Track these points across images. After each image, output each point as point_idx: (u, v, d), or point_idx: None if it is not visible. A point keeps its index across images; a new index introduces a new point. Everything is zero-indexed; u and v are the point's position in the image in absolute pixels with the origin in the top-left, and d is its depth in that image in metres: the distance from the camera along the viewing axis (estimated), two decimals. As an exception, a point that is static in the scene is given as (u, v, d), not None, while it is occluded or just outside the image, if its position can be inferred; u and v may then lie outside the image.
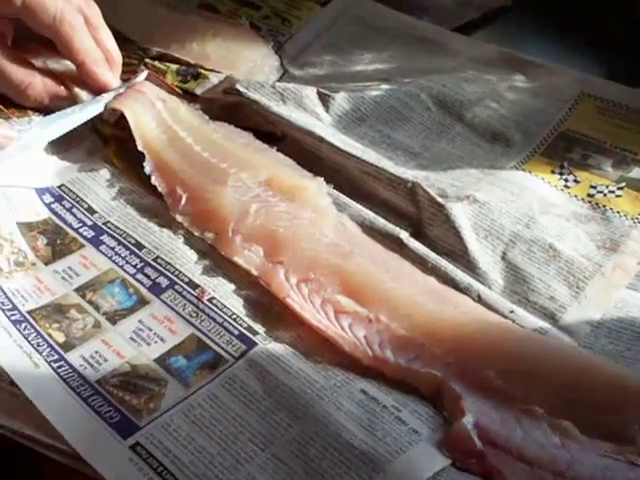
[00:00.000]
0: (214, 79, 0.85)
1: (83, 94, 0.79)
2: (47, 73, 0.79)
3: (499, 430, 0.55)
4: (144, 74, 0.82)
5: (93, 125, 0.79)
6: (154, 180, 0.74)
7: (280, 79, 0.87)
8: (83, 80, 0.79)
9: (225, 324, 0.64)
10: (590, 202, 0.73)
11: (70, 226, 0.71)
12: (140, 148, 0.75)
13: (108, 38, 0.80)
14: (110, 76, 0.79)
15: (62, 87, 0.79)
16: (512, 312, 0.65)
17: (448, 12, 0.97)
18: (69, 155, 0.78)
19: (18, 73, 0.77)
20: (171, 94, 0.81)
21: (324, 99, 0.81)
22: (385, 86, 0.83)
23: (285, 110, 0.79)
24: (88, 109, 0.77)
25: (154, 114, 0.78)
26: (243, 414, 0.57)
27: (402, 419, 0.57)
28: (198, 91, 0.84)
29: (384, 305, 0.64)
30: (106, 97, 0.78)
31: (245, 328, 0.63)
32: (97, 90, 0.79)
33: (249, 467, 0.55)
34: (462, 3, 0.97)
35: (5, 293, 0.65)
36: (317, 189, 0.73)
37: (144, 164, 0.74)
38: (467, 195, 0.71)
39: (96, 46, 0.78)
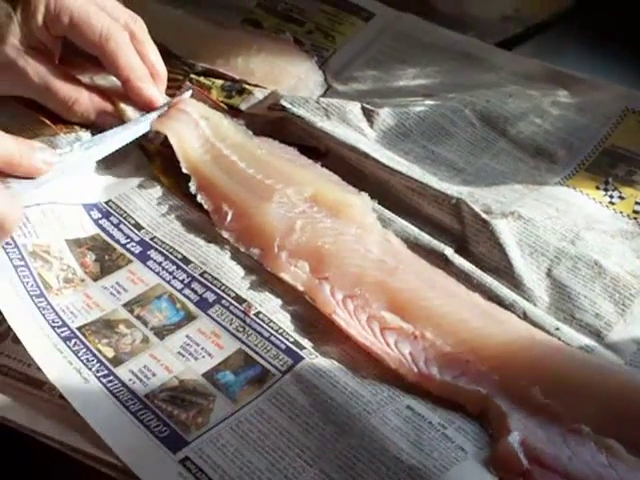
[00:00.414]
0: (259, 94, 0.85)
1: (129, 110, 0.80)
2: (93, 89, 0.80)
3: (545, 448, 0.55)
4: (189, 92, 0.82)
5: (138, 141, 0.79)
6: (200, 198, 0.74)
7: (324, 94, 0.87)
8: (128, 96, 0.80)
9: (272, 338, 0.64)
10: (635, 218, 0.73)
11: (118, 242, 0.72)
12: (184, 170, 0.76)
13: (154, 53, 0.81)
14: (155, 91, 0.80)
15: (108, 103, 0.80)
16: (557, 329, 0.65)
17: (491, 27, 0.97)
18: (116, 171, 0.78)
19: (65, 89, 0.78)
20: (216, 110, 0.82)
21: (368, 114, 0.81)
22: (429, 101, 0.83)
23: (329, 125, 0.80)
24: (133, 129, 0.77)
25: (198, 134, 0.78)
26: (290, 429, 0.58)
27: (448, 436, 0.58)
28: (243, 107, 0.84)
29: (429, 322, 0.64)
30: (151, 116, 0.79)
31: (292, 342, 0.64)
32: (142, 106, 0.80)
33: (298, 482, 0.55)
34: (505, 18, 0.97)
35: (55, 310, 0.65)
36: (362, 205, 0.73)
37: (189, 183, 0.75)
38: (512, 211, 0.71)
39: (141, 62, 0.79)
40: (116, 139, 0.76)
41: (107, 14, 0.78)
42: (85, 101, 0.79)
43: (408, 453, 0.56)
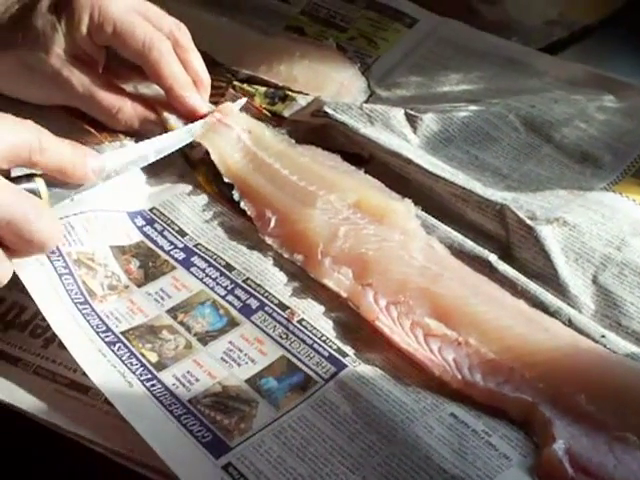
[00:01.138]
0: (302, 101, 0.85)
1: (172, 118, 0.80)
2: (137, 98, 0.81)
3: (591, 457, 0.55)
4: (242, 101, 0.83)
5: (182, 150, 0.80)
6: (243, 205, 0.74)
7: (367, 100, 0.87)
8: (172, 105, 0.80)
9: (315, 346, 0.64)
10: (682, 224, 0.72)
11: (162, 249, 0.72)
12: (226, 180, 0.76)
13: (197, 61, 0.81)
14: (198, 100, 0.80)
15: (151, 112, 0.80)
16: (603, 337, 0.64)
17: (536, 32, 0.96)
18: (160, 179, 0.79)
19: (109, 99, 0.79)
20: (258, 120, 0.82)
21: (412, 120, 0.81)
22: (473, 107, 0.83)
23: (373, 132, 0.80)
24: (177, 139, 0.78)
25: (239, 147, 0.78)
26: (333, 436, 0.58)
27: (492, 444, 0.57)
28: (286, 113, 0.84)
29: (473, 328, 0.64)
30: (195, 126, 0.79)
31: (335, 350, 0.64)
32: (185, 115, 0.80)
33: (340, 490, 0.55)
34: (550, 22, 0.96)
35: (99, 316, 0.66)
36: (406, 211, 0.73)
37: (233, 191, 0.75)
38: (557, 217, 0.71)
39: (184, 71, 0.80)
40: (159, 148, 0.76)
41: (151, 22, 0.79)
42: (129, 110, 0.80)
43: (451, 462, 0.56)
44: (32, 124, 0.65)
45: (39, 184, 0.66)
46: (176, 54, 0.79)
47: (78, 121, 0.81)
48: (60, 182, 0.68)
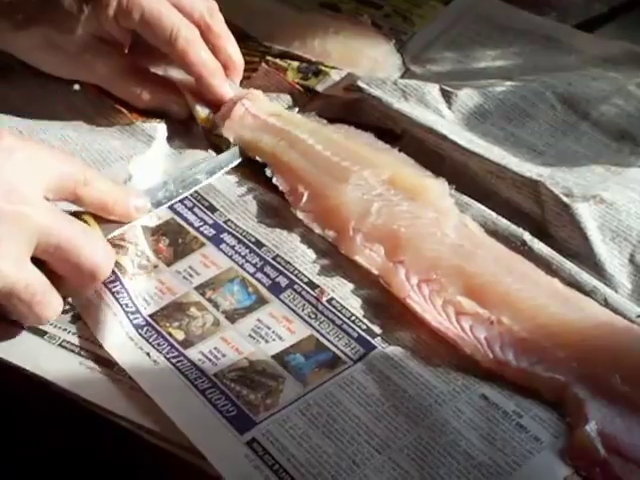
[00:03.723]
0: (335, 76, 0.85)
1: (198, 106, 0.80)
2: (161, 79, 0.81)
3: (625, 438, 0.54)
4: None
5: (209, 138, 0.79)
6: (275, 180, 0.74)
7: (402, 77, 0.86)
8: (200, 92, 0.79)
9: (344, 326, 0.63)
10: None
11: (191, 225, 0.71)
12: (259, 159, 0.76)
13: (230, 45, 0.80)
14: (227, 89, 0.79)
15: (175, 94, 0.80)
16: (639, 317, 0.62)
17: (575, 7, 0.95)
18: (188, 157, 0.78)
19: (132, 80, 0.79)
20: (291, 93, 0.82)
21: (447, 96, 0.80)
22: (509, 84, 0.82)
23: (407, 107, 0.79)
24: (227, 160, 0.77)
25: (269, 131, 0.77)
26: (360, 415, 0.57)
27: (523, 425, 0.56)
28: (319, 88, 0.84)
29: (506, 307, 0.62)
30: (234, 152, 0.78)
31: (364, 330, 0.63)
32: (214, 103, 0.79)
33: (365, 469, 0.54)
34: (590, -2, 0.95)
35: (130, 295, 0.65)
36: (440, 189, 0.72)
37: (265, 169, 0.75)
38: (594, 195, 0.70)
39: (213, 57, 0.79)
40: (210, 170, 0.75)
41: (182, 6, 0.78)
42: (152, 91, 0.79)
43: (479, 448, 0.55)
44: (79, 160, 0.66)
45: (87, 218, 0.66)
46: (207, 40, 0.78)
47: (109, 100, 0.81)
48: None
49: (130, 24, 0.77)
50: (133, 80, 0.79)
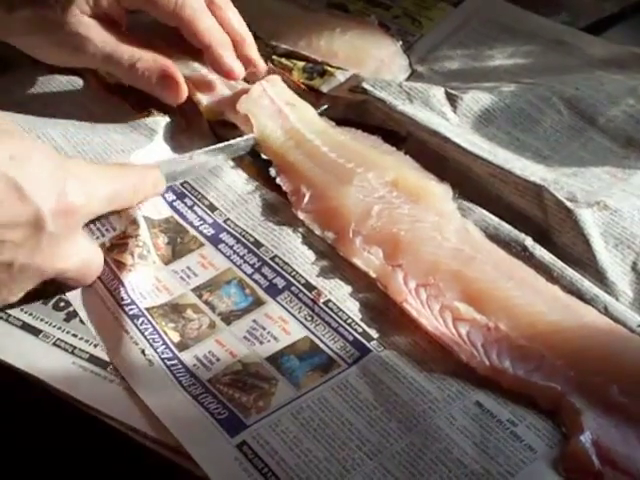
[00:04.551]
0: (340, 76, 0.84)
1: (205, 99, 0.79)
2: (158, 49, 0.78)
3: (620, 450, 0.53)
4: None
5: (212, 128, 0.79)
6: (279, 180, 0.73)
7: (408, 79, 0.85)
8: (211, 66, 0.78)
9: (340, 329, 0.63)
10: None
11: (191, 224, 0.71)
12: (264, 156, 0.75)
13: (235, 18, 0.79)
14: (237, 64, 0.77)
15: (171, 65, 0.77)
16: (640, 326, 0.62)
17: (585, 7, 0.95)
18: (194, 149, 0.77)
19: (129, 49, 0.76)
20: (297, 92, 0.81)
21: (452, 99, 0.80)
22: (515, 88, 0.82)
23: (411, 109, 0.78)
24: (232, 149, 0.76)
25: (280, 121, 0.77)
26: (353, 420, 0.56)
27: (517, 434, 0.55)
28: (324, 88, 0.83)
29: (504, 313, 0.62)
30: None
31: (360, 334, 0.62)
32: (223, 76, 0.78)
33: (356, 475, 0.53)
34: (601, -3, 0.95)
35: (126, 288, 0.65)
36: (443, 193, 0.71)
37: (270, 168, 0.74)
38: (597, 201, 0.69)
39: (222, 29, 0.77)
40: (224, 157, 0.75)
41: None
42: (148, 59, 0.76)
43: (472, 457, 0.54)
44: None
45: None
46: (211, 12, 0.77)
47: (112, 96, 0.81)
48: None
49: (133, 1, 0.76)
50: (129, 49, 0.76)
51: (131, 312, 0.63)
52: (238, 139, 0.76)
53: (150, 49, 0.77)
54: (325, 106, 0.80)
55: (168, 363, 0.60)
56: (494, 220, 0.69)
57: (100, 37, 0.76)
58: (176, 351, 0.61)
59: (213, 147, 0.75)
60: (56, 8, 0.75)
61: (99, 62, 0.77)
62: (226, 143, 0.76)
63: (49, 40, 0.76)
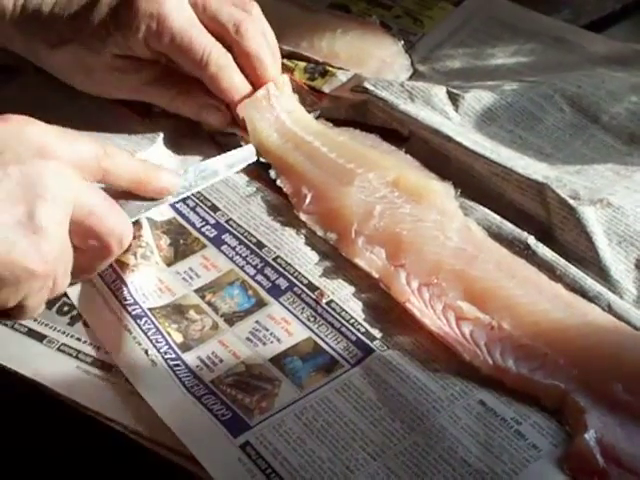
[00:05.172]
0: (342, 77, 0.84)
1: None
2: (196, 82, 0.77)
3: (624, 448, 0.53)
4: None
5: (211, 136, 0.79)
6: (279, 182, 0.73)
7: (410, 78, 0.85)
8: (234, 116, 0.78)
9: (343, 329, 0.63)
10: None
11: (193, 225, 0.71)
12: (262, 159, 0.75)
13: (259, 67, 0.77)
14: None
15: (213, 97, 0.77)
16: (644, 324, 0.61)
17: (587, 4, 0.94)
18: (193, 157, 0.78)
19: (168, 84, 0.78)
20: (299, 92, 0.81)
21: (454, 98, 0.79)
22: (517, 86, 0.81)
23: (413, 108, 0.78)
24: (247, 154, 0.76)
25: (278, 127, 0.77)
26: (356, 420, 0.56)
27: (521, 433, 0.55)
28: (326, 89, 0.83)
29: (507, 312, 0.61)
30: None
31: (363, 334, 0.62)
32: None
33: (359, 475, 0.53)
34: (603, -6, 0.95)
35: (129, 288, 0.65)
36: (445, 192, 0.71)
37: (269, 170, 0.74)
38: (600, 198, 0.68)
39: (246, 82, 0.77)
40: (230, 163, 0.75)
41: (212, 18, 0.76)
42: (188, 91, 0.78)
43: (476, 456, 0.54)
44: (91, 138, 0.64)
45: None
46: (235, 57, 0.77)
47: (115, 102, 0.80)
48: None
49: (160, 48, 0.75)
50: (166, 85, 0.78)
51: (134, 312, 0.64)
52: (240, 150, 0.76)
53: (187, 79, 0.78)
54: (318, 112, 0.80)
55: (171, 364, 0.61)
56: (496, 219, 0.69)
57: (137, 77, 0.78)
58: (179, 352, 0.61)
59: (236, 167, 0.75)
60: (91, 49, 0.76)
61: (140, 97, 0.79)
62: (245, 163, 0.76)
63: (86, 76, 0.79)
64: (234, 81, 0.76)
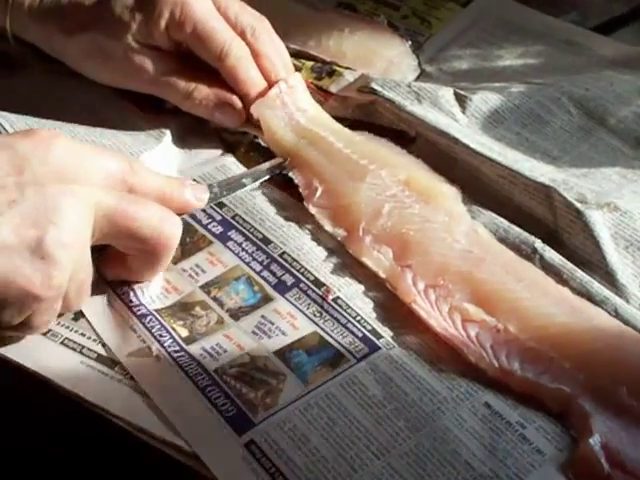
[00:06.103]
0: (349, 76, 0.84)
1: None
2: (214, 78, 0.78)
3: (629, 453, 0.53)
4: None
5: (217, 133, 0.79)
6: (291, 174, 0.73)
7: (417, 79, 0.85)
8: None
9: (349, 325, 0.62)
10: None
11: (199, 223, 0.71)
12: (279, 156, 0.75)
13: (271, 66, 0.79)
14: None
15: (229, 92, 0.77)
16: (650, 328, 0.61)
17: (595, 7, 0.95)
18: (200, 154, 0.78)
19: (184, 78, 0.77)
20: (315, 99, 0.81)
21: (461, 100, 0.79)
22: (525, 88, 0.81)
23: (420, 110, 0.78)
24: (272, 167, 0.76)
25: (292, 125, 0.77)
26: (361, 418, 0.56)
27: (526, 437, 0.55)
28: (333, 89, 0.83)
29: (514, 315, 0.61)
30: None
31: (369, 331, 0.62)
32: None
33: (363, 475, 0.53)
34: (611, -3, 0.95)
35: (135, 291, 0.65)
36: (453, 195, 0.71)
37: (283, 164, 0.75)
38: (608, 202, 0.68)
39: (262, 78, 0.77)
40: (256, 175, 0.74)
41: (227, 19, 0.77)
42: (204, 88, 0.77)
43: (480, 459, 0.54)
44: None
45: None
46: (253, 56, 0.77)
47: (122, 98, 0.80)
48: None
49: (181, 37, 0.76)
50: (184, 78, 0.77)
51: (139, 312, 0.64)
52: (269, 162, 0.76)
53: (206, 75, 0.77)
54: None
55: (175, 355, 0.60)
56: (504, 222, 0.69)
57: (154, 66, 0.77)
58: (183, 344, 0.61)
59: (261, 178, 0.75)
60: (111, 34, 0.76)
61: (154, 90, 0.78)
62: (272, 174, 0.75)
63: (104, 64, 0.78)
64: (250, 74, 0.77)
